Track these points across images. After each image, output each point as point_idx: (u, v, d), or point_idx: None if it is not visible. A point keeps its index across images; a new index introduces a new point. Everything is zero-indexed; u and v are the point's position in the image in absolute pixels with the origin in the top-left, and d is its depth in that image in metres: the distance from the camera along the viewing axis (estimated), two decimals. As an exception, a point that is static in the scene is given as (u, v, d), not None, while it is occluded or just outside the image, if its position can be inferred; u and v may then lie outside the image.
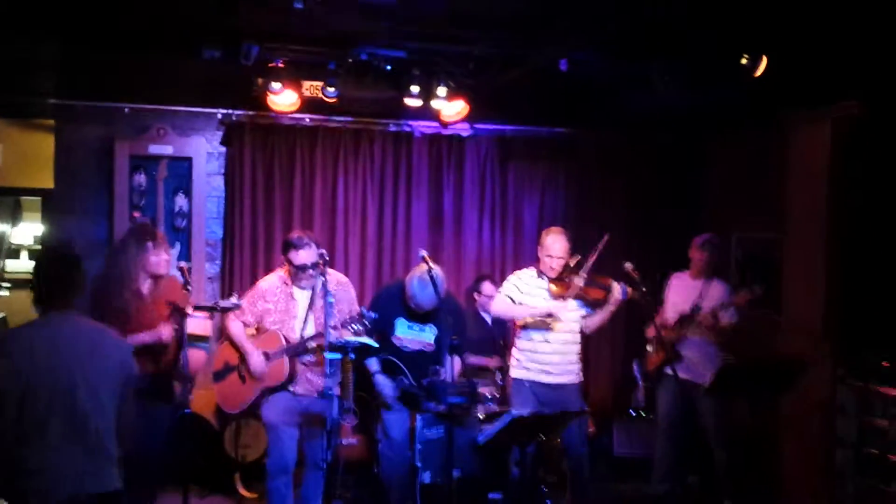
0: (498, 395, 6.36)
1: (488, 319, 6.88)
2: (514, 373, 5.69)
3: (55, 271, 3.55)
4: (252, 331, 5.52)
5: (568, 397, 5.55)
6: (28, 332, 3.46)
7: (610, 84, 6.31)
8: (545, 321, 5.52)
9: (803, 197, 6.19)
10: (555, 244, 5.53)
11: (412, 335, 5.54)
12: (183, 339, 4.82)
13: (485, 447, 4.85)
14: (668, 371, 5.94)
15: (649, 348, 6.25)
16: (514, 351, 5.72)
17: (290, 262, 5.38)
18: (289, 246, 5.39)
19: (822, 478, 5.74)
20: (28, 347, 3.38)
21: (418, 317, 5.51)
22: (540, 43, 5.59)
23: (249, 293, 5.59)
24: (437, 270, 5.23)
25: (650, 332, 6.21)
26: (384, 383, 5.49)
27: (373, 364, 5.51)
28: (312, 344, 5.32)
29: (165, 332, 4.85)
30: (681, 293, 6.17)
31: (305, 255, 5.33)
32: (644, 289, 5.52)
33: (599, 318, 5.64)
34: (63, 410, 3.34)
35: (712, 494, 6.04)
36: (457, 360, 5.52)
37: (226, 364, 5.52)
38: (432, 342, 5.52)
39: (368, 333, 5.11)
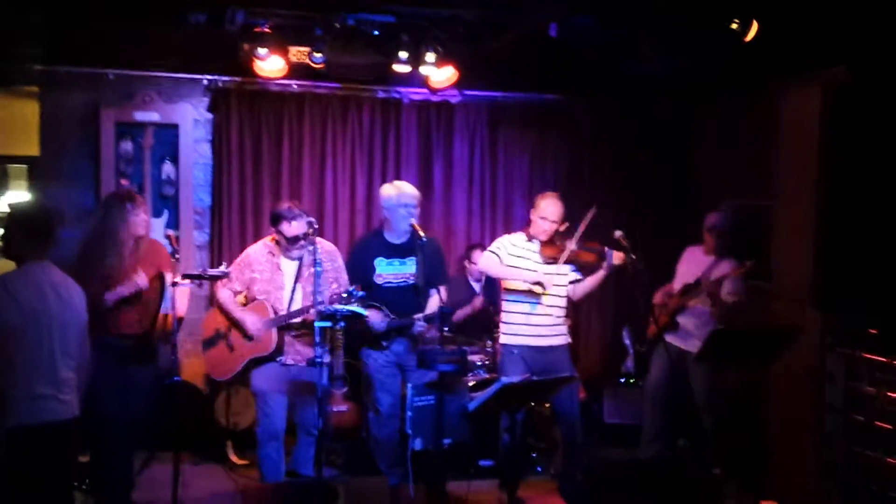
0: (488, 363, 6.38)
1: (478, 288, 6.89)
2: (504, 339, 5.68)
3: (32, 225, 3.88)
4: (242, 299, 5.52)
5: (558, 359, 5.56)
6: (11, 282, 3.77)
7: (600, 51, 6.26)
8: (533, 290, 5.51)
9: (793, 164, 6.16)
10: (549, 207, 5.52)
11: (393, 270, 5.52)
12: (161, 302, 4.95)
13: (475, 414, 4.85)
14: (668, 339, 5.99)
15: (652, 317, 6.26)
16: (503, 316, 5.72)
17: (280, 234, 5.36)
18: (279, 218, 5.36)
19: (810, 444, 5.78)
20: (12, 295, 3.71)
21: (397, 252, 5.50)
22: (529, 7, 5.54)
23: (237, 261, 5.58)
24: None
25: (657, 299, 6.24)
26: (372, 315, 5.41)
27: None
28: (298, 319, 5.31)
29: (141, 280, 4.96)
30: (690, 265, 6.19)
31: (297, 227, 5.31)
32: (633, 256, 5.51)
33: (589, 283, 5.63)
34: (44, 349, 3.76)
35: (701, 459, 6.08)
36: (437, 296, 5.51)
37: (216, 331, 5.52)
38: (414, 273, 5.49)
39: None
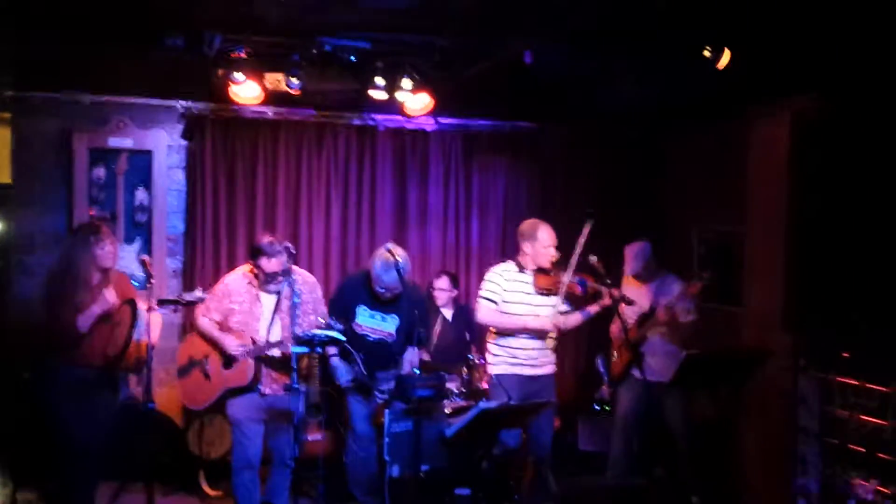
0: (465, 390, 6.35)
1: (449, 316, 6.84)
2: (497, 369, 5.57)
3: None
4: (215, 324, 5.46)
5: (544, 386, 5.53)
6: None
7: (573, 79, 6.32)
8: (542, 332, 5.46)
9: (763, 190, 6.26)
10: (547, 233, 5.48)
11: (373, 324, 5.49)
12: (133, 330, 4.88)
13: (453, 440, 4.83)
14: (635, 373, 5.96)
15: (614, 353, 6.25)
16: (492, 347, 5.62)
17: (259, 269, 5.31)
18: (259, 252, 5.29)
19: (784, 468, 5.81)
20: None
21: (381, 305, 5.46)
22: (504, 35, 5.59)
23: (215, 290, 5.51)
24: (401, 253, 5.27)
25: (614, 331, 6.23)
26: (340, 368, 5.43)
27: (331, 348, 5.41)
28: (277, 352, 5.26)
29: (110, 295, 4.89)
30: (635, 294, 6.11)
31: (276, 263, 5.26)
32: (609, 282, 5.52)
33: (580, 317, 5.60)
34: None
35: (679, 487, 6.07)
36: (416, 352, 5.48)
37: (190, 359, 5.46)
38: (393, 332, 5.46)
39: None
